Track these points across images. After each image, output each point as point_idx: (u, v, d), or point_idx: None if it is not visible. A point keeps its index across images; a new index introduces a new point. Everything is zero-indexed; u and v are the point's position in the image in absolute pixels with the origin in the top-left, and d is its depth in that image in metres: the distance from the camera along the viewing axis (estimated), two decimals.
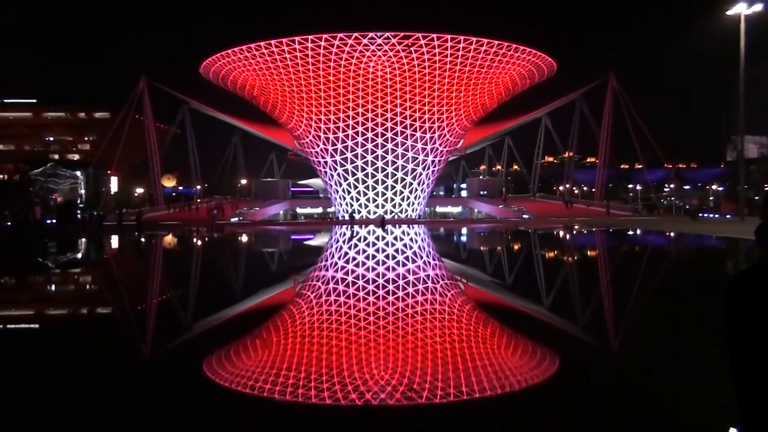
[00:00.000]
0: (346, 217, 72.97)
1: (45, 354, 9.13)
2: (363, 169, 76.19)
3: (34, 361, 8.65)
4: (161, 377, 7.72)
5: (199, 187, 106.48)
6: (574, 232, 47.86)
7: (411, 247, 32.47)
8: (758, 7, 49.79)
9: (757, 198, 75.66)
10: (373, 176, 76.36)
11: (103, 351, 9.22)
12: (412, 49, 66.21)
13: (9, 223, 58.30)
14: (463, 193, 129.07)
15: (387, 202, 77.85)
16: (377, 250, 29.06)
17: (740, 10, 50.13)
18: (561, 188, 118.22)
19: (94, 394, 6.91)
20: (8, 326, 12.13)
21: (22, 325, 12.22)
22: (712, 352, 8.32)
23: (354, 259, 24.72)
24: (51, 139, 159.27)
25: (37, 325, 12.23)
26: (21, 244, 39.02)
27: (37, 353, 9.22)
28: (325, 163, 78.77)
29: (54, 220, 64.37)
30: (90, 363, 8.38)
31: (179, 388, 7.23)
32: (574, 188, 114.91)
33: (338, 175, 78.25)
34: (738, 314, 3.39)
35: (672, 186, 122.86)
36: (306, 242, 43.08)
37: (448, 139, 78.81)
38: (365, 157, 75.40)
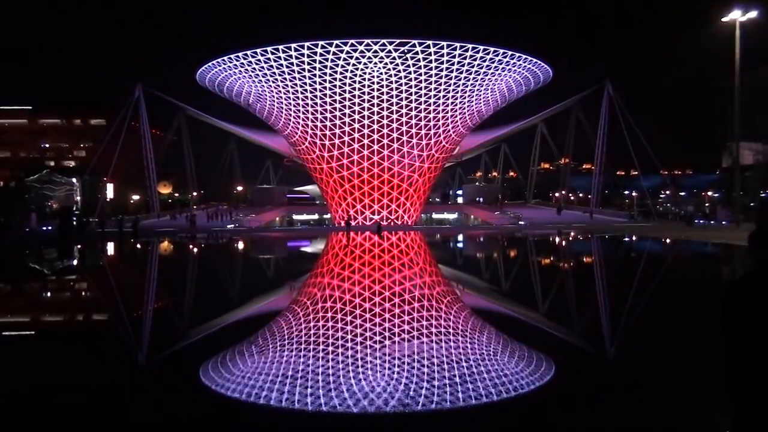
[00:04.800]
0: (342, 224, 72.87)
1: (39, 361, 9.07)
2: (359, 176, 76.20)
3: (29, 367, 8.59)
4: (156, 384, 7.68)
5: (195, 193, 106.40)
6: (570, 239, 47.87)
7: (407, 254, 32.44)
8: (753, 14, 50.08)
9: (752, 204, 75.86)
10: (369, 183, 76.37)
11: (95, 358, 9.16)
12: (408, 55, 66.35)
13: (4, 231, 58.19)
14: (459, 200, 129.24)
15: (383, 209, 77.84)
16: (373, 257, 29.01)
17: (735, 16, 50.40)
18: (557, 195, 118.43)
19: (90, 399, 6.86)
20: (4, 333, 12.06)
21: (17, 333, 12.15)
22: (708, 358, 8.32)
23: (350, 266, 24.67)
24: (47, 145, 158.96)
25: (28, 333, 12.16)
26: (14, 251, 38.85)
27: (30, 360, 9.16)
28: (321, 169, 78.77)
29: (50, 227, 64.16)
30: (83, 370, 8.32)
31: (175, 394, 7.19)
32: (570, 195, 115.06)
33: (334, 181, 78.25)
34: (735, 323, 3.38)
35: (668, 192, 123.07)
36: (302, 249, 43.02)
37: (444, 146, 78.89)
38: (361, 164, 75.42)
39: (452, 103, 73.26)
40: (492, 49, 67.02)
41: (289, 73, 68.44)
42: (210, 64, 70.14)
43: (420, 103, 72.05)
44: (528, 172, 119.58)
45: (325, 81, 69.30)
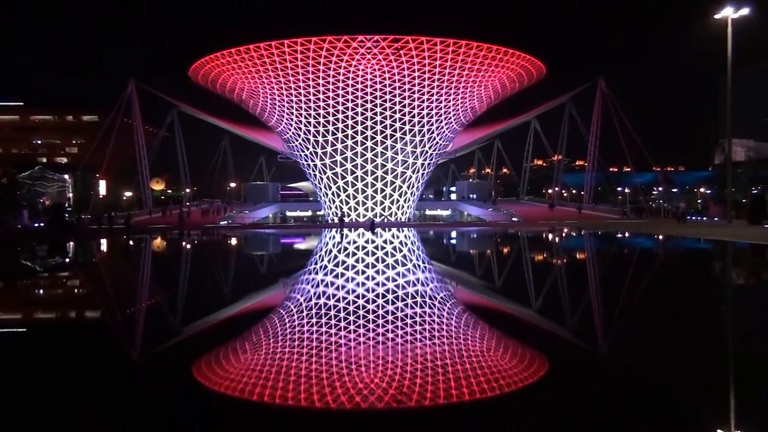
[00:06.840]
0: (336, 220, 72.86)
1: (27, 359, 9.00)
2: (352, 172, 76.18)
3: (18, 366, 8.53)
4: (148, 381, 7.63)
5: (188, 190, 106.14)
6: (563, 235, 47.98)
7: (401, 250, 32.44)
8: (745, 11, 50.20)
9: (744, 201, 76.22)
10: (363, 179, 76.36)
11: (84, 355, 9.11)
12: (401, 52, 66.30)
13: None
14: (453, 196, 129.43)
15: (376, 205, 77.81)
16: (367, 254, 28.99)
17: (727, 13, 50.51)
18: (550, 191, 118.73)
19: (80, 398, 6.81)
20: None
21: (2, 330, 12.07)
22: (702, 353, 8.35)
23: (343, 262, 24.65)
24: (39, 142, 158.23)
25: (16, 329, 12.08)
26: (4, 248, 38.65)
27: (19, 358, 9.09)
28: (315, 166, 78.69)
29: (42, 224, 63.90)
30: (67, 368, 8.26)
31: (168, 391, 7.15)
32: (563, 191, 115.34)
33: (328, 178, 78.21)
34: None
35: (660, 189, 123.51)
36: (295, 245, 42.96)
37: (437, 142, 78.91)
38: (355, 160, 75.37)
39: (446, 99, 73.30)
40: (485, 45, 67.09)
41: (282, 70, 68.29)
42: (203, 60, 69.95)
43: (414, 100, 72.05)
44: (521, 168, 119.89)
45: (318, 77, 69.19)
